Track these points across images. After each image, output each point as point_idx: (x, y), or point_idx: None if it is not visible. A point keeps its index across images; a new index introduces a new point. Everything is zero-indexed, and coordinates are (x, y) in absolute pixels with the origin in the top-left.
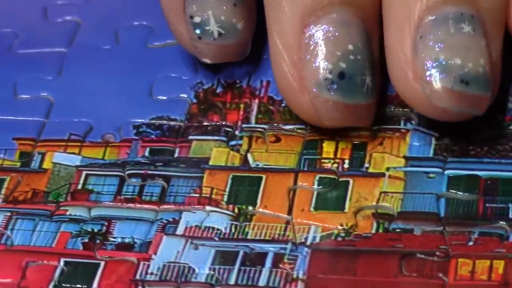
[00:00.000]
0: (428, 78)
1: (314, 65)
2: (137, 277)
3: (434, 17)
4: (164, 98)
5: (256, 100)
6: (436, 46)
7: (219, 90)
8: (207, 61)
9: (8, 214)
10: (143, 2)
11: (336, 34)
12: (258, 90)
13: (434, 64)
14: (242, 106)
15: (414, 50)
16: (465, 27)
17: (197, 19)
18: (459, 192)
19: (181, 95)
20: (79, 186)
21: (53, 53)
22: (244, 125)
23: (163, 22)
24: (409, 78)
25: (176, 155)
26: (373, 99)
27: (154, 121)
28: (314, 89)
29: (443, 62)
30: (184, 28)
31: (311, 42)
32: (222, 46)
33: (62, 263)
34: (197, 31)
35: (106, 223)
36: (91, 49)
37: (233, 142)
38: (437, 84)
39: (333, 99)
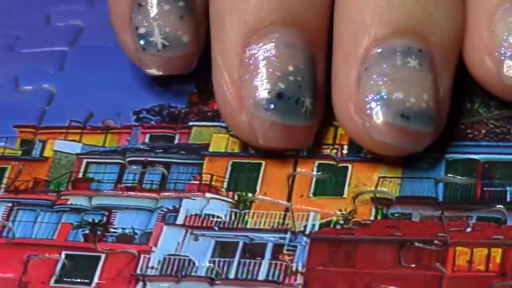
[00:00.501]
0: (368, 112)
1: (252, 84)
2: (138, 271)
3: (380, 49)
4: (166, 88)
5: None
6: (380, 79)
7: None
8: (152, 73)
9: (10, 205)
10: None
11: (277, 54)
12: None
13: (375, 97)
14: None
15: (357, 83)
16: (411, 61)
17: (141, 30)
18: (457, 176)
19: (182, 87)
20: (80, 175)
21: (55, 51)
22: None
23: None
24: (350, 111)
25: (176, 141)
26: (312, 121)
27: (154, 107)
28: (252, 109)
29: (385, 96)
30: (130, 39)
31: (251, 62)
32: (166, 58)
33: (63, 256)
34: (141, 42)
35: (106, 213)
36: (93, 48)
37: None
38: (377, 118)
39: (270, 119)
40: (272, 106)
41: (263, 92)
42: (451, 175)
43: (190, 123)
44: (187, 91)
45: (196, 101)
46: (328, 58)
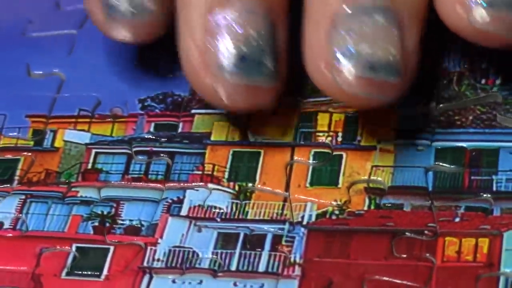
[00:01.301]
0: (338, 66)
1: (216, 48)
2: (145, 263)
3: (349, 8)
4: (170, 75)
5: None
6: (348, 35)
7: None
8: (119, 39)
9: (23, 197)
10: None
11: (239, 20)
12: None
13: (344, 52)
14: None
15: (327, 40)
16: (379, 18)
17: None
18: (445, 165)
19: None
20: (89, 166)
21: (64, 34)
22: None
23: None
24: (321, 67)
25: (179, 130)
26: (275, 83)
27: (158, 95)
28: (216, 72)
29: (353, 50)
30: (97, 7)
31: (215, 27)
32: (133, 25)
33: (74, 248)
34: (109, 10)
35: (114, 205)
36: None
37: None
38: (346, 71)
39: (233, 81)
40: (235, 68)
41: (226, 56)
42: (440, 163)
43: (193, 111)
44: None
45: None
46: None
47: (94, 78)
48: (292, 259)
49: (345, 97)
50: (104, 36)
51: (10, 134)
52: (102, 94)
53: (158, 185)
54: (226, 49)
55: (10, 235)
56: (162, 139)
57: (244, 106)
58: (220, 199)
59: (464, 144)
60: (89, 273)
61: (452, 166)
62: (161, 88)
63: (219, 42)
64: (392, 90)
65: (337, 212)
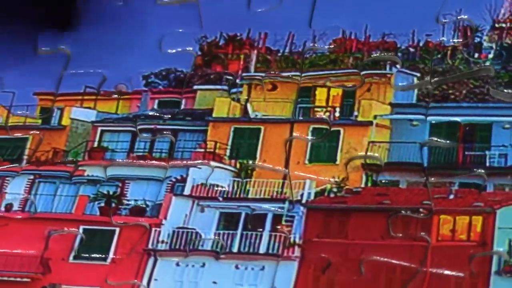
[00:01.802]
0: None
1: None
2: (150, 246)
3: None
4: (172, 51)
5: (255, 51)
6: None
7: (221, 42)
8: None
9: (32, 177)
10: None
11: None
12: (256, 42)
13: None
14: (242, 56)
15: None
16: None
17: None
18: (440, 140)
19: (187, 48)
20: (95, 144)
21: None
22: (244, 74)
23: None
24: None
25: (182, 106)
26: None
27: (162, 71)
28: None
29: None
30: None
31: None
32: None
33: (81, 230)
34: None
35: (120, 184)
36: (105, 5)
37: (234, 90)
38: None
39: None
40: None
41: None
42: (435, 139)
43: (195, 87)
44: (191, 54)
45: (201, 64)
46: None
47: (99, 54)
48: (292, 240)
49: None
50: (107, 11)
51: (19, 112)
52: (107, 70)
53: (162, 163)
54: None
55: (20, 217)
56: (166, 116)
57: None
58: (222, 177)
59: (458, 119)
60: (96, 256)
61: (447, 141)
62: (164, 63)
63: None
64: None
65: (335, 189)
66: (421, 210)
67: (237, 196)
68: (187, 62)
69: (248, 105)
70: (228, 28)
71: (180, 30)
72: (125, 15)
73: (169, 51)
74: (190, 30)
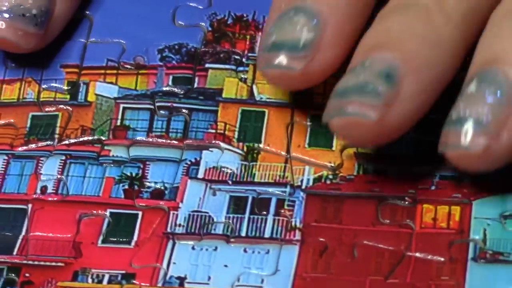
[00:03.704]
0: None
1: None
2: (168, 229)
3: None
4: (184, 24)
5: (260, 33)
6: None
7: (229, 21)
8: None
9: (63, 158)
10: None
11: None
12: (261, 24)
13: None
14: (248, 37)
15: None
16: None
17: None
18: (425, 136)
19: (199, 23)
20: (118, 122)
21: None
22: (250, 54)
23: None
24: None
25: (195, 85)
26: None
27: (174, 45)
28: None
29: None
30: None
31: None
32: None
33: (108, 213)
34: None
35: (141, 165)
36: None
37: (240, 68)
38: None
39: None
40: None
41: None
42: (420, 134)
43: (207, 65)
44: (202, 29)
45: (211, 40)
46: None
47: (119, 23)
48: (293, 224)
49: None
50: None
51: (48, 85)
52: (126, 40)
53: (178, 142)
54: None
55: (54, 199)
56: (180, 94)
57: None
58: (231, 160)
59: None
60: (122, 239)
61: (430, 137)
62: (177, 38)
63: None
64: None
65: (331, 176)
66: (406, 198)
67: (245, 179)
68: (198, 37)
69: (254, 87)
70: (235, 8)
71: (192, 4)
72: None
73: (181, 22)
74: (201, 5)
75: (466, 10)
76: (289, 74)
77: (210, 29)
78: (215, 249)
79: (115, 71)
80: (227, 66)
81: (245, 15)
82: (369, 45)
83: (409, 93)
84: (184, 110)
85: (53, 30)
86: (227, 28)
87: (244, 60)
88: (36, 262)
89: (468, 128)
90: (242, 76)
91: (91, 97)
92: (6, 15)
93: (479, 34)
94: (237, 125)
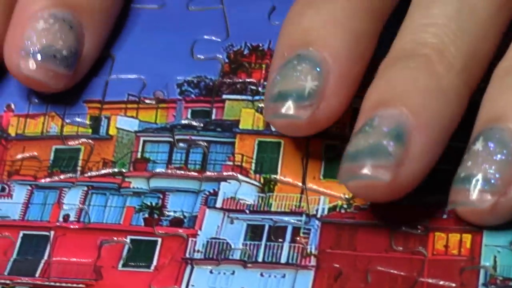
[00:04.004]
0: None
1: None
2: (187, 255)
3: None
4: (202, 57)
5: None
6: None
7: (246, 51)
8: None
9: (85, 188)
10: None
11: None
12: None
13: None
14: (264, 66)
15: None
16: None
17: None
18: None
19: (217, 56)
20: (139, 155)
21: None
22: (265, 83)
23: None
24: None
25: (213, 116)
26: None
27: (193, 79)
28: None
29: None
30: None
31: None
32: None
33: (128, 240)
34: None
35: (161, 196)
36: (142, 10)
37: (257, 97)
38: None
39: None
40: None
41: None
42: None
43: (224, 96)
44: (219, 61)
45: (228, 71)
46: None
47: (140, 59)
48: (308, 250)
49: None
50: (144, 16)
51: (71, 120)
52: (147, 75)
53: (197, 174)
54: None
55: (76, 227)
56: (199, 127)
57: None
58: (248, 192)
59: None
60: (141, 264)
61: (444, 166)
62: (195, 72)
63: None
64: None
65: (345, 206)
66: (419, 227)
67: (262, 209)
68: (216, 69)
69: None
70: (251, 38)
71: (210, 37)
72: (160, 19)
73: (199, 56)
74: (219, 38)
75: (467, 56)
76: (296, 123)
77: (227, 61)
78: (233, 273)
79: (135, 105)
80: (243, 97)
81: (260, 45)
82: (374, 101)
83: (420, 149)
84: (202, 143)
85: (81, 69)
86: (244, 59)
87: (260, 89)
88: (58, 284)
89: (476, 186)
90: (259, 105)
91: (112, 131)
92: (38, 56)
93: (481, 78)
94: (254, 157)
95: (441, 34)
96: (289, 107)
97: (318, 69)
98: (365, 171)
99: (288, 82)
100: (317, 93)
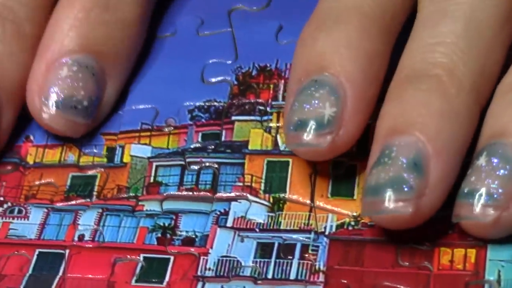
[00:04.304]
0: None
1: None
2: (198, 273)
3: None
4: (212, 81)
5: (282, 81)
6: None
7: (254, 72)
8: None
9: (100, 210)
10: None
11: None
12: (283, 72)
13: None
14: (272, 86)
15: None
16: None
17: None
18: None
19: (226, 78)
20: (151, 179)
21: None
22: (274, 103)
23: (212, 13)
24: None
25: (223, 138)
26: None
27: (204, 104)
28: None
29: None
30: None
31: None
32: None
33: (141, 258)
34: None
35: (174, 217)
36: (154, 37)
37: (265, 118)
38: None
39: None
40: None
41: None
42: None
43: (233, 118)
44: (229, 83)
45: (237, 93)
46: None
47: (151, 88)
48: (317, 267)
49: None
50: (157, 43)
51: (88, 151)
52: (159, 104)
53: (208, 194)
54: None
55: (90, 245)
56: (209, 149)
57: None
58: (258, 212)
59: None
60: (154, 280)
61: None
62: (205, 96)
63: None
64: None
65: (353, 223)
66: (424, 242)
67: (271, 227)
68: (225, 92)
69: (278, 137)
70: (259, 59)
71: (219, 60)
72: (171, 47)
73: (209, 79)
74: (228, 60)
75: (476, 72)
76: (317, 151)
77: (236, 82)
78: None
79: (148, 133)
80: (252, 118)
81: (268, 65)
82: (389, 127)
83: (438, 176)
84: (213, 165)
85: (100, 115)
86: (252, 80)
87: (268, 109)
88: None
89: (479, 200)
90: (267, 125)
91: (126, 159)
92: (59, 107)
93: (490, 93)
94: (263, 177)
95: (450, 53)
96: (309, 136)
97: (335, 95)
98: (387, 205)
99: (307, 110)
100: (336, 120)
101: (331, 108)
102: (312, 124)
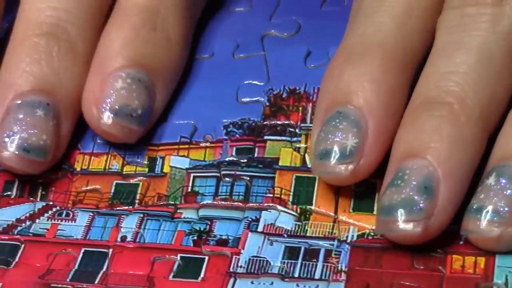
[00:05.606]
0: (2, 144)
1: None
2: (231, 269)
3: (19, 101)
4: (246, 101)
5: (310, 104)
6: (14, 122)
7: (284, 95)
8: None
9: (141, 215)
10: (233, 24)
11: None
12: (311, 95)
13: (8, 134)
14: (300, 108)
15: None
16: (39, 111)
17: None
18: None
19: (259, 99)
20: (189, 189)
21: None
22: (302, 125)
23: (247, 38)
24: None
25: (255, 154)
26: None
27: (238, 121)
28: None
29: (14, 135)
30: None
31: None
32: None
33: (179, 257)
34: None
35: (209, 223)
36: (193, 59)
37: (294, 139)
38: (6, 150)
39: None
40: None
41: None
42: None
43: (265, 137)
44: (261, 104)
45: (269, 114)
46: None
47: (190, 106)
48: (339, 268)
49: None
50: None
51: (131, 160)
52: (197, 121)
53: (241, 204)
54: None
55: (131, 246)
56: (242, 163)
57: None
58: (286, 220)
59: None
60: (190, 277)
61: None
62: (240, 114)
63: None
64: (39, 167)
65: (372, 234)
66: (438, 250)
67: (298, 234)
68: (258, 112)
69: (306, 156)
70: (289, 82)
71: (253, 82)
72: (209, 68)
73: (243, 100)
74: (261, 82)
75: (485, 101)
76: (340, 178)
77: (268, 104)
78: (272, 283)
79: (187, 146)
80: (283, 138)
81: (297, 88)
82: (403, 151)
83: (447, 198)
84: (246, 177)
85: (150, 124)
86: (282, 102)
87: (297, 130)
88: None
89: (486, 217)
90: (296, 146)
91: (166, 169)
92: (116, 114)
93: (499, 121)
94: (292, 190)
95: (462, 82)
96: (333, 165)
97: (358, 127)
98: (399, 225)
99: (331, 141)
100: (357, 150)
101: (353, 140)
102: (335, 154)
